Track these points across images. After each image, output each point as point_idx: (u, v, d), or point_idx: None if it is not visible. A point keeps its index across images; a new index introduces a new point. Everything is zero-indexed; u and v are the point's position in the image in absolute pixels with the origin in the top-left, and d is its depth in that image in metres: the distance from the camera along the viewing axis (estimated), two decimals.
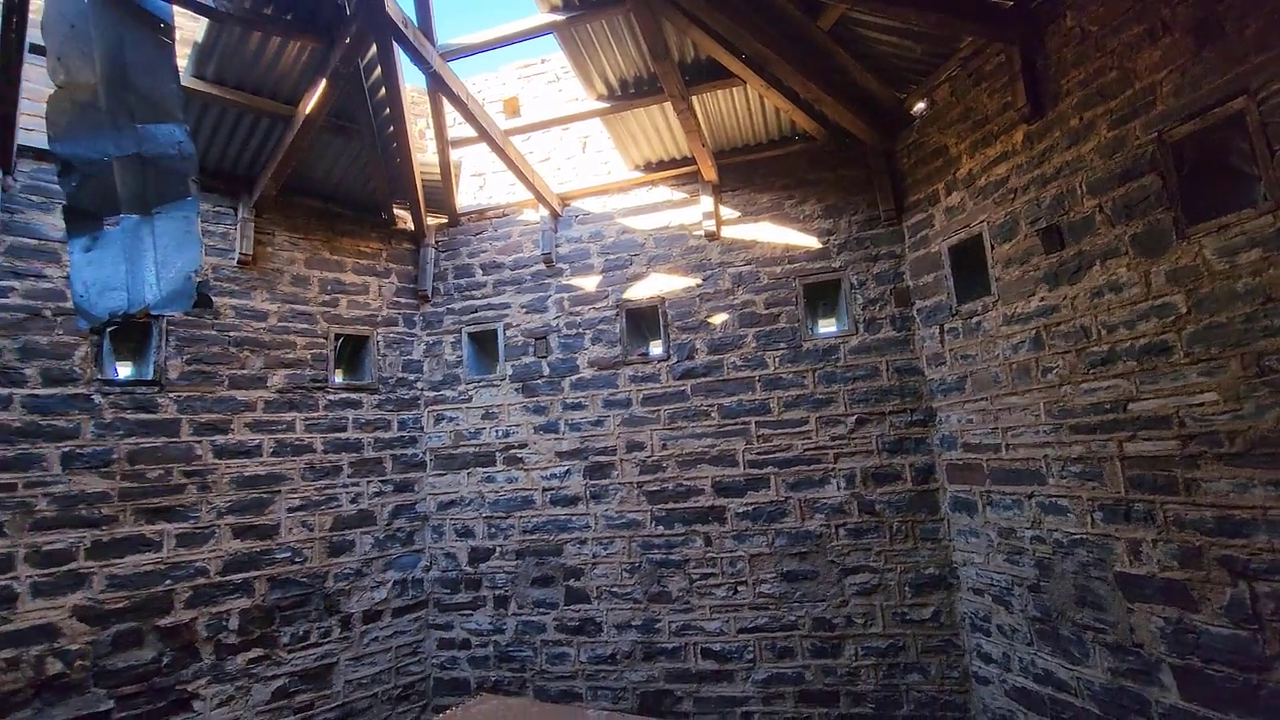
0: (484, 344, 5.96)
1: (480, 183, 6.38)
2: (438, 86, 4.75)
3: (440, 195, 5.94)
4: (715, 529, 5.02)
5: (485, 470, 5.63)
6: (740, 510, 4.99)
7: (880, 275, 5.00)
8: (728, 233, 5.39)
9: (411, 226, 6.06)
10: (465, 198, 6.27)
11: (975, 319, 4.26)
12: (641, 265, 5.55)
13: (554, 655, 5.21)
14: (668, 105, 4.96)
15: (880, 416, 4.85)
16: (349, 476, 5.35)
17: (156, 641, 4.32)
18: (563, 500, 5.40)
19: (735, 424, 5.10)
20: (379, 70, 4.67)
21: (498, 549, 5.48)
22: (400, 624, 5.40)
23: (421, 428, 5.84)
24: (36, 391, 4.20)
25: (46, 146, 4.45)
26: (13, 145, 4.25)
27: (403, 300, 5.99)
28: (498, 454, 5.62)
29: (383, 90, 4.82)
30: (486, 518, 5.56)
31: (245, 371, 5.00)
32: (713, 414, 5.16)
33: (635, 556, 5.16)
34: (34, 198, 4.43)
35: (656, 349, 5.61)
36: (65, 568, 4.11)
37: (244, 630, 4.66)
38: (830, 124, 5.02)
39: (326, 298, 5.53)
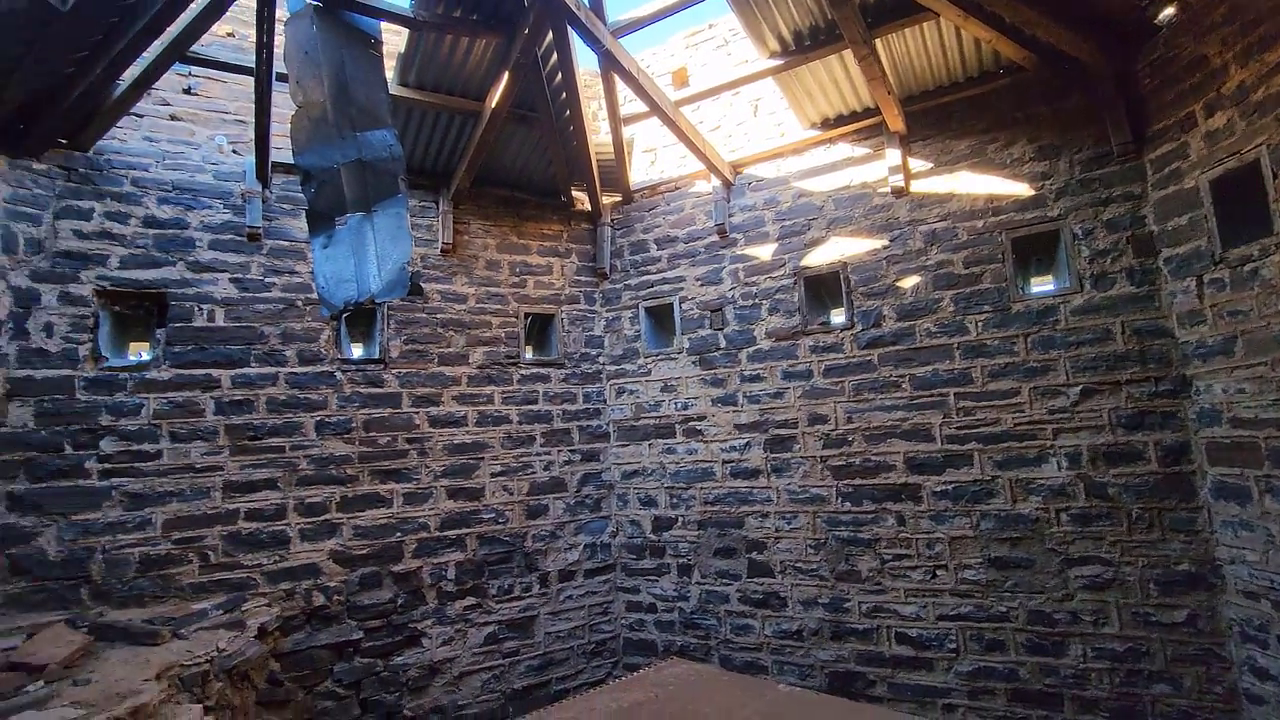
0: (661, 318, 6.04)
1: (651, 158, 6.43)
2: (610, 65, 4.82)
3: (614, 174, 6.08)
4: (909, 508, 4.67)
5: (666, 442, 5.74)
6: (938, 489, 4.59)
7: (1112, 222, 4.26)
8: (918, 187, 4.91)
9: (588, 207, 6.28)
10: (637, 174, 6.36)
11: (1249, 266, 3.47)
12: (820, 229, 5.26)
13: (738, 626, 5.22)
14: (846, 54, 4.59)
15: (1114, 386, 4.17)
16: (541, 446, 5.75)
17: (392, 585, 4.99)
18: (743, 473, 5.35)
19: (930, 396, 4.68)
20: (555, 56, 4.85)
21: (679, 519, 5.59)
22: (591, 585, 5.74)
23: (604, 400, 6.10)
24: (295, 370, 4.98)
25: (291, 161, 5.22)
26: (268, 163, 5.02)
27: (583, 278, 6.25)
28: (677, 426, 5.70)
29: (559, 75, 5.00)
30: (668, 488, 5.68)
31: (451, 349, 5.54)
32: (904, 385, 4.78)
33: (820, 532, 4.98)
34: (285, 205, 5.21)
35: (838, 317, 5.31)
36: (322, 518, 4.88)
37: (459, 580, 5.23)
38: (1044, 50, 4.33)
39: (516, 279, 5.93)
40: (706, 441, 5.55)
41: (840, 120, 5.26)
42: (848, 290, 5.07)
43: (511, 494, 5.55)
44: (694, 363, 5.69)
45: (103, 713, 2.86)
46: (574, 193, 6.26)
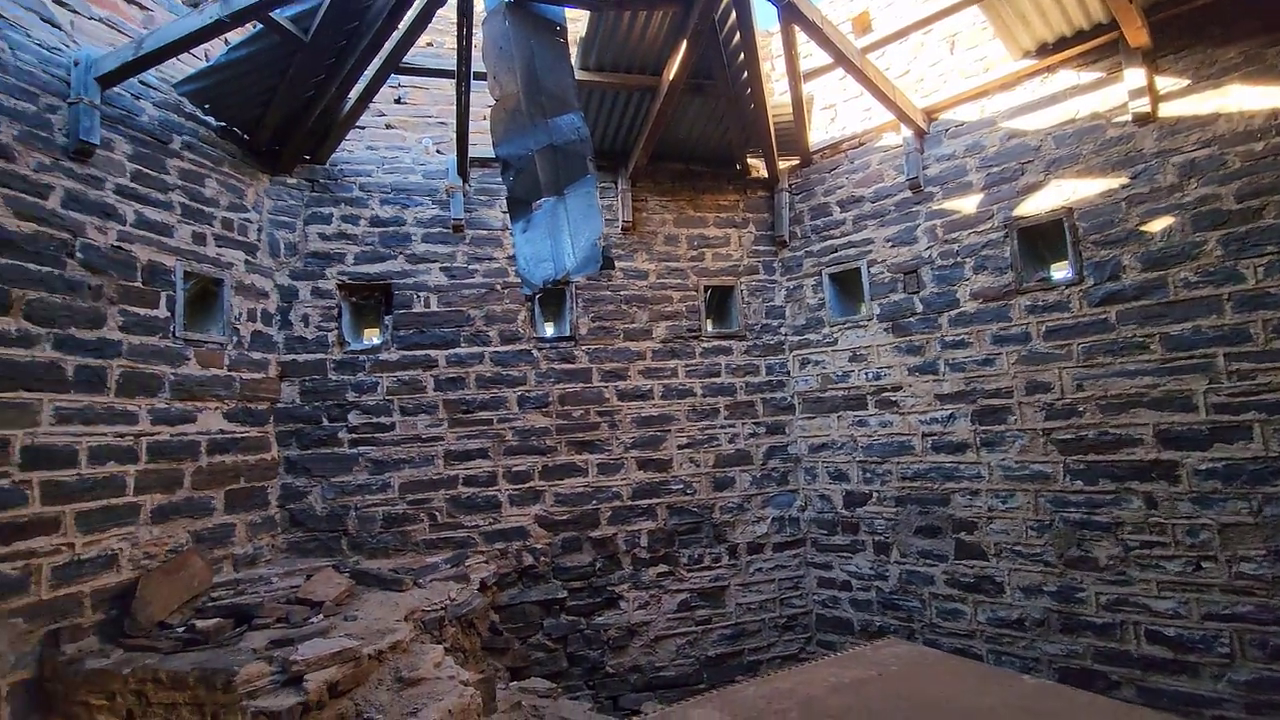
0: (846, 284, 5.72)
1: (831, 115, 6.06)
2: (791, 17, 4.58)
3: (791, 135, 5.82)
4: (1161, 488, 4.01)
5: (856, 414, 5.46)
6: (1202, 467, 3.89)
7: None
8: (1168, 110, 4.13)
9: (764, 173, 6.08)
10: (816, 134, 6.03)
11: None
12: (1036, 173, 4.63)
13: (945, 610, 4.86)
14: None
15: None
16: (725, 418, 5.73)
17: (591, 549, 5.27)
18: (946, 447, 4.93)
19: (1189, 357, 3.96)
20: (734, 16, 4.71)
21: (874, 494, 5.30)
22: (781, 559, 5.66)
23: (788, 372, 5.93)
24: (498, 349, 5.40)
25: (487, 154, 5.59)
26: (467, 159, 5.44)
27: (761, 248, 6.09)
28: (868, 397, 5.39)
29: (737, 37, 4.85)
30: (860, 462, 5.41)
31: (635, 325, 5.68)
32: (1152, 346, 4.09)
33: (1044, 514, 4.45)
34: (482, 197, 5.62)
35: (1061, 272, 4.66)
36: (526, 485, 5.26)
37: (652, 548, 5.40)
38: None
39: (694, 253, 5.92)
40: (903, 413, 5.18)
41: (1061, 44, 4.56)
42: (1074, 240, 4.43)
43: (698, 466, 5.61)
44: (885, 330, 5.33)
45: (371, 644, 3.31)
46: (749, 160, 6.09)
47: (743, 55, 4.96)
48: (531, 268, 4.13)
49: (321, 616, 3.75)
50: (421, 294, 5.35)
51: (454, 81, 4.95)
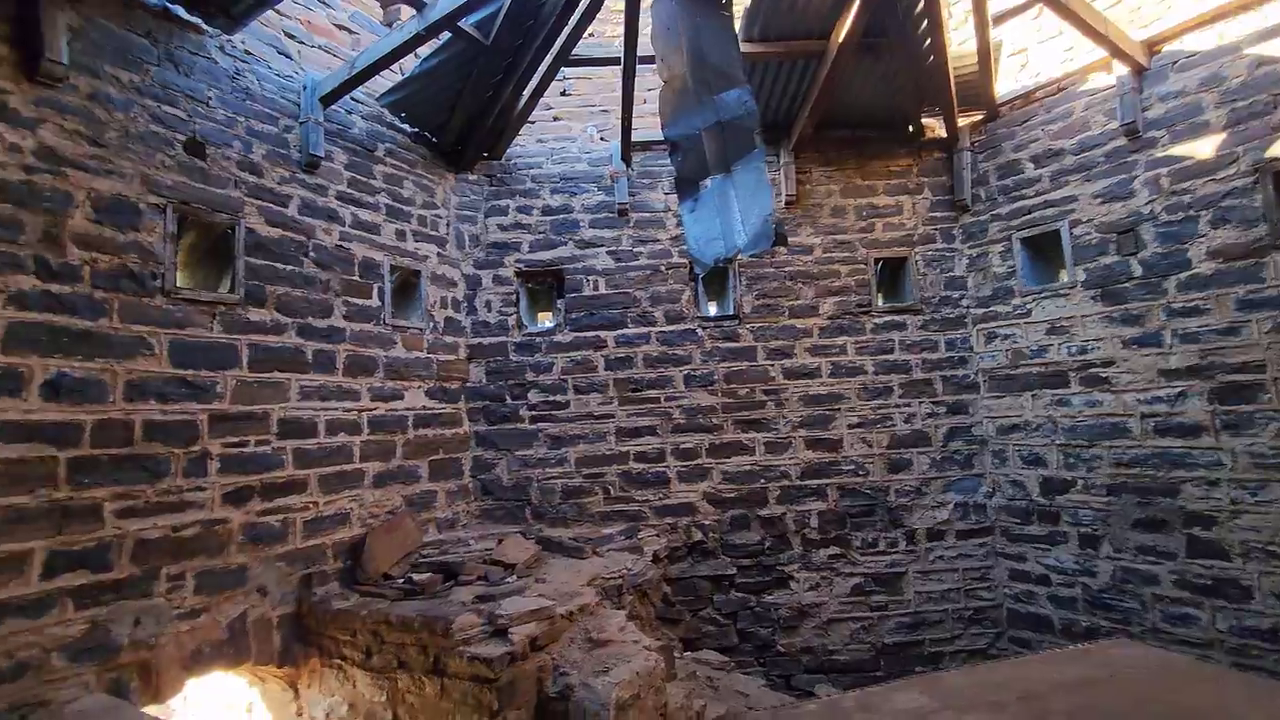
0: (1041, 249, 5.16)
1: (1021, 61, 5.45)
2: None
3: (974, 90, 5.31)
4: None
5: (1055, 392, 4.92)
6: None
7: None
8: None
9: (942, 133, 5.62)
10: (1003, 85, 5.45)
11: None
12: None
13: (1174, 615, 4.27)
14: None
15: None
16: (900, 397, 5.42)
17: (759, 528, 5.25)
18: (1174, 430, 4.30)
19: None
20: None
21: (1079, 481, 4.77)
22: (965, 547, 5.28)
23: (971, 347, 5.48)
24: (663, 329, 5.50)
25: (648, 138, 5.69)
26: (630, 143, 5.55)
27: (938, 215, 5.65)
28: (1071, 374, 4.84)
29: None
30: (1060, 445, 4.88)
31: (800, 301, 5.52)
32: None
33: None
34: (644, 180, 5.72)
35: None
36: (694, 462, 5.34)
37: (822, 529, 5.27)
38: None
39: (862, 224, 5.63)
40: (1115, 391, 4.59)
41: None
42: None
43: (870, 446, 5.37)
44: (1093, 298, 4.73)
45: (563, 606, 3.54)
46: (923, 120, 5.66)
47: (922, 2, 4.59)
48: (702, 247, 4.14)
49: (515, 577, 4.07)
50: (590, 277, 5.57)
51: (617, 69, 5.07)
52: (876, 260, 5.59)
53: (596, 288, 5.57)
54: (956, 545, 5.27)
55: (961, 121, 5.55)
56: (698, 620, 5.10)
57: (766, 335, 5.48)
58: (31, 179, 2.94)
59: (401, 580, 4.01)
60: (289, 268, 4.08)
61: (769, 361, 5.46)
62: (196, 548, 3.37)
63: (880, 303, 5.62)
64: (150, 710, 3.02)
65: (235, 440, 3.63)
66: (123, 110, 3.30)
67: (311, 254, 4.24)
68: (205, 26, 3.75)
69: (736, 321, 5.51)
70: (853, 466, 5.34)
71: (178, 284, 3.48)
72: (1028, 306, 5.11)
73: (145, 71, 3.43)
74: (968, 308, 5.51)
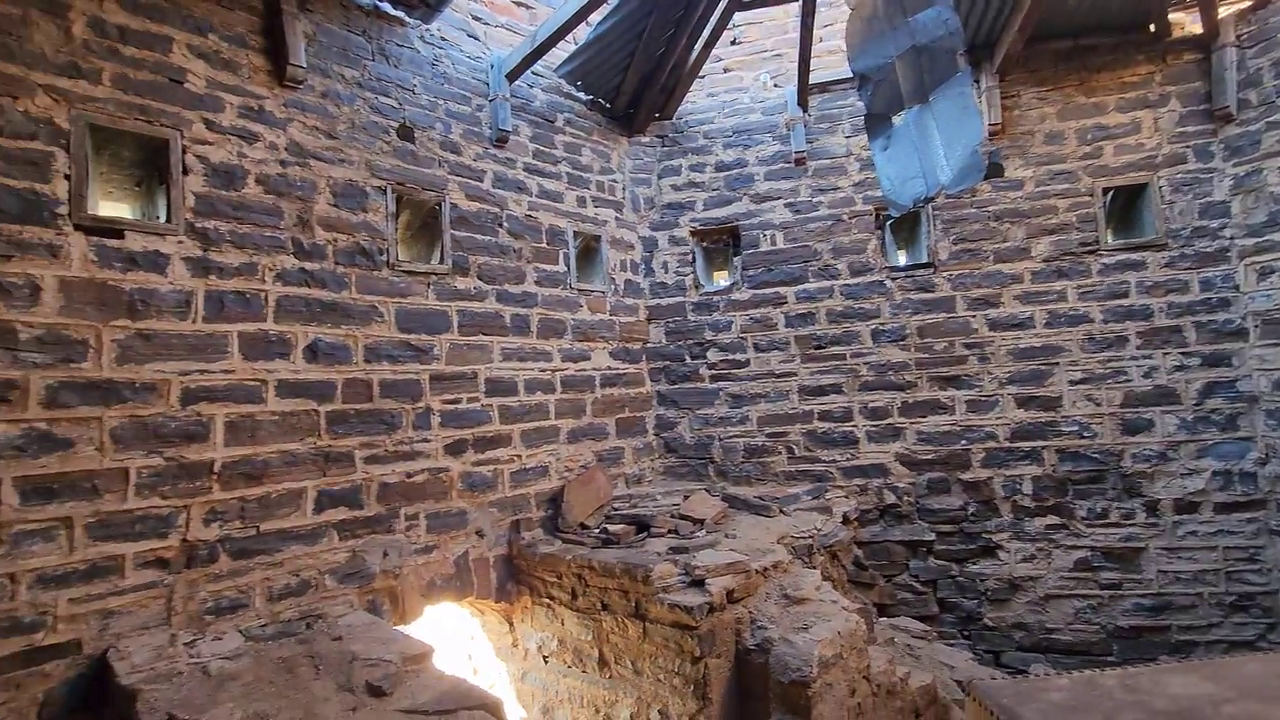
0: None
1: None
2: None
3: None
4: None
5: None
6: None
7: None
8: None
9: (1195, 29, 4.65)
10: None
11: None
12: None
13: None
14: None
15: None
16: (1138, 348, 4.67)
17: (961, 492, 4.85)
18: None
19: None
20: None
21: None
22: (1225, 522, 4.47)
23: (1236, 287, 4.55)
24: (847, 281, 5.19)
25: (827, 80, 5.32)
26: (807, 87, 5.23)
27: (1189, 129, 4.72)
28: None
29: None
30: None
31: (1008, 244, 4.92)
32: None
33: None
34: (823, 125, 5.38)
35: None
36: (885, 421, 5.03)
37: (1037, 496, 4.74)
38: None
39: (1086, 149, 4.86)
40: None
41: None
42: None
43: (1098, 405, 4.70)
44: None
45: (756, 561, 3.52)
46: (1170, 16, 4.71)
47: None
48: (898, 188, 3.81)
49: (704, 532, 4.12)
50: (767, 232, 5.39)
51: (791, 7, 4.78)
52: (1105, 190, 4.81)
53: (774, 242, 5.38)
54: (1215, 520, 4.47)
55: (1223, 11, 4.55)
56: (892, 586, 4.85)
57: (967, 283, 4.97)
58: (286, 171, 3.40)
59: (597, 530, 4.22)
60: (486, 238, 4.38)
61: (970, 312, 4.95)
62: (426, 492, 3.79)
63: (1109, 240, 4.84)
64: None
65: (451, 398, 4.01)
66: (348, 104, 3.69)
67: (505, 224, 4.51)
68: (407, 19, 4.07)
69: (931, 270, 5.05)
70: (1075, 428, 4.71)
71: (399, 257, 3.87)
72: None
73: (363, 67, 3.80)
74: (1232, 239, 4.56)
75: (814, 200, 5.32)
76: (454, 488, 3.94)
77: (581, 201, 5.13)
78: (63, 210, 2.70)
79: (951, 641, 4.52)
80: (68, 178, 2.72)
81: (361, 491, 3.51)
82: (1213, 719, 1.65)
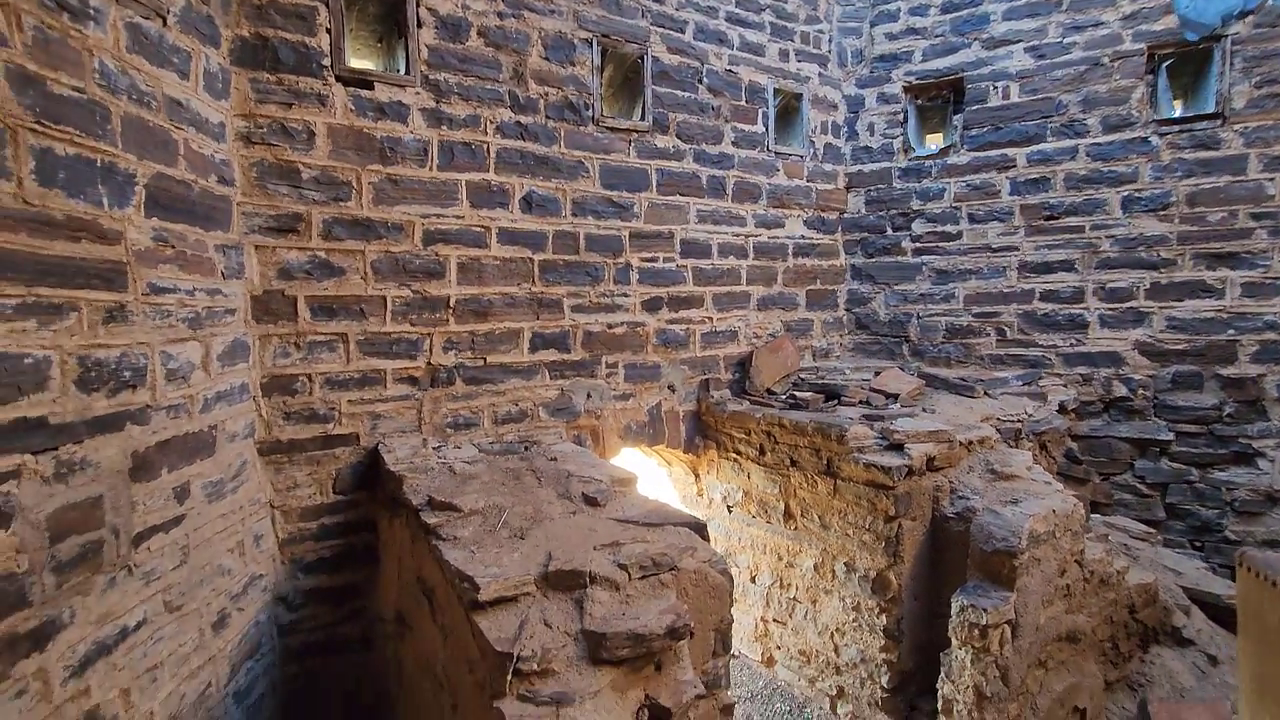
0: None
1: None
2: None
3: None
4: None
5: None
6: None
7: None
8: None
9: None
10: None
11: None
12: None
13: None
14: None
15: None
16: None
17: (1217, 389, 4.16)
18: None
19: None
20: None
21: None
22: None
23: None
24: (1097, 140, 4.41)
25: None
26: None
27: None
28: None
29: None
30: None
31: None
32: None
33: None
34: None
35: None
36: (1126, 305, 4.38)
37: None
38: None
39: None
40: None
41: None
42: None
43: None
44: None
45: (960, 434, 3.33)
46: None
47: None
48: (1200, 4, 3.07)
49: (899, 405, 3.96)
50: (999, 84, 4.68)
51: None
52: None
53: (1006, 95, 4.67)
54: None
55: None
56: (1110, 486, 4.39)
57: (1268, 138, 4.00)
58: (503, 24, 3.49)
59: (785, 396, 4.23)
60: (686, 94, 4.25)
61: (1267, 174, 4.01)
62: (624, 344, 3.99)
63: None
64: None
65: (648, 255, 4.10)
66: None
67: (705, 80, 4.33)
68: None
69: (1219, 122, 4.11)
70: None
71: (603, 113, 3.90)
72: None
73: None
74: None
75: (1065, 41, 4.48)
76: (649, 342, 4.11)
77: (784, 55, 4.76)
78: (326, 62, 3.01)
79: (1179, 550, 4.05)
80: (329, 31, 3.01)
81: (569, 337, 3.78)
82: None
